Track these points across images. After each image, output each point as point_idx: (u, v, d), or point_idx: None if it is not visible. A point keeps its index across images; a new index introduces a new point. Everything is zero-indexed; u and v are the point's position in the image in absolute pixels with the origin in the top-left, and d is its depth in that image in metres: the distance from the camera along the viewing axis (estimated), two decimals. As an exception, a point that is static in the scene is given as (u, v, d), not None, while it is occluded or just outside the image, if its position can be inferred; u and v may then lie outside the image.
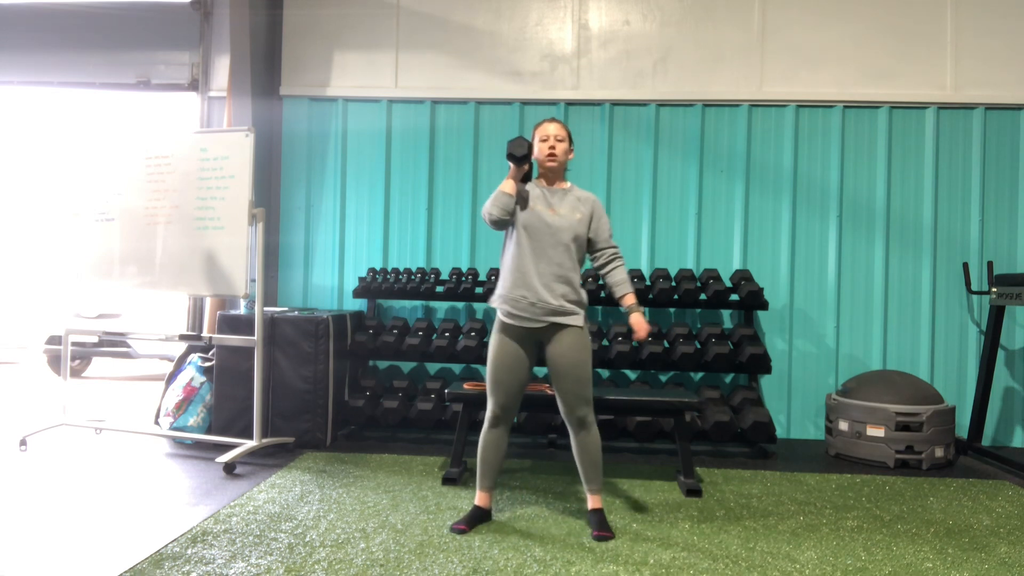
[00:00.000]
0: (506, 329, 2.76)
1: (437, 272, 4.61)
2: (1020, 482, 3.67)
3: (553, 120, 2.83)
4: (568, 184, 2.86)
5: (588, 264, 4.85)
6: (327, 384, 4.12)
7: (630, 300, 2.79)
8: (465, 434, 3.49)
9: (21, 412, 5.10)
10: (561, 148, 2.78)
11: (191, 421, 4.13)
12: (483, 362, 4.35)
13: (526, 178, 2.83)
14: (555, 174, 2.82)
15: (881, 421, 3.91)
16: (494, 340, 2.79)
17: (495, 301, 2.80)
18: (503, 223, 2.72)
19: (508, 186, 2.71)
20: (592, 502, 2.83)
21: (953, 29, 4.67)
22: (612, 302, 4.39)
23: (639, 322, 2.75)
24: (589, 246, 2.83)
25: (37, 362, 8.49)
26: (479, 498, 2.87)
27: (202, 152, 3.89)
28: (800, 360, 4.69)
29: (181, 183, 3.92)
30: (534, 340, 2.78)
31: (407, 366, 4.89)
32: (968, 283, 4.51)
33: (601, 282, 4.47)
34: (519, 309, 2.71)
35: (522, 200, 2.76)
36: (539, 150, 2.80)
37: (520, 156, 2.69)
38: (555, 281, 2.71)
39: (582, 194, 2.84)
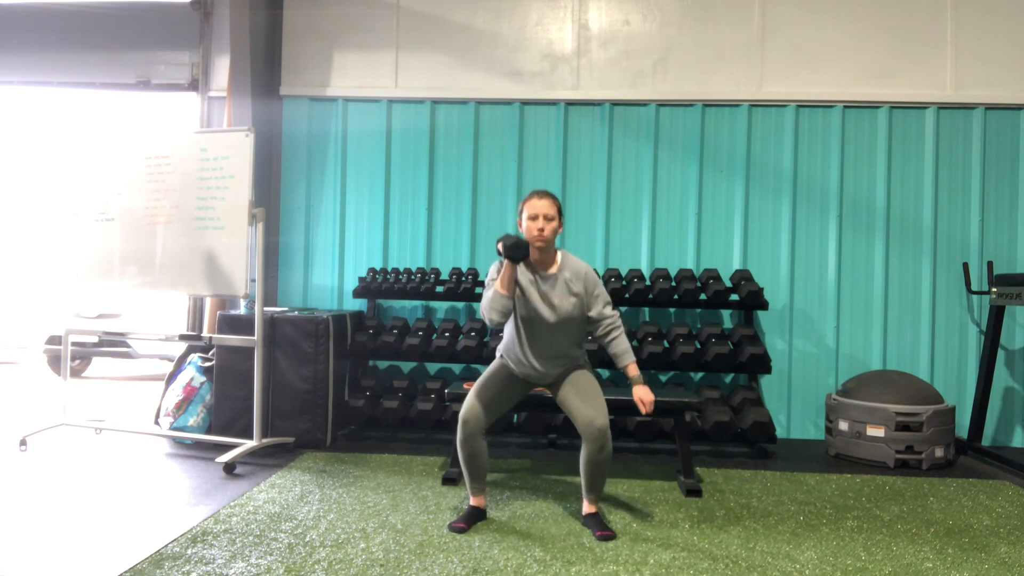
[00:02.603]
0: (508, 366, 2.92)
1: (437, 272, 4.61)
2: (1020, 482, 3.67)
3: (544, 196, 2.70)
4: (558, 259, 2.77)
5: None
6: (327, 384, 4.12)
7: (634, 371, 2.76)
8: (465, 434, 3.49)
9: (21, 412, 5.10)
10: (550, 228, 2.68)
11: (191, 421, 4.13)
12: (483, 362, 4.35)
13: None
14: (544, 254, 2.73)
15: (881, 421, 3.91)
16: (495, 362, 2.92)
17: (500, 357, 2.92)
18: (503, 324, 2.74)
19: (505, 287, 2.64)
20: (589, 507, 2.84)
21: (953, 29, 4.67)
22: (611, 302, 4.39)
23: (645, 393, 2.73)
24: (588, 319, 2.82)
25: (37, 362, 8.49)
26: (473, 500, 2.89)
27: (202, 152, 3.89)
28: (800, 360, 4.69)
29: (181, 183, 3.92)
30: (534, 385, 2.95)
31: (407, 366, 4.89)
32: (968, 283, 4.51)
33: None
34: (523, 376, 2.87)
35: (517, 292, 2.74)
36: (527, 228, 2.69)
37: (520, 258, 2.61)
38: (555, 357, 2.81)
39: (572, 269, 2.75)
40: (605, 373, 4.75)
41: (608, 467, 2.81)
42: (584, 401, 2.73)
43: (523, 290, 2.73)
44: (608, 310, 2.79)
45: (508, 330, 2.84)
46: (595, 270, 2.82)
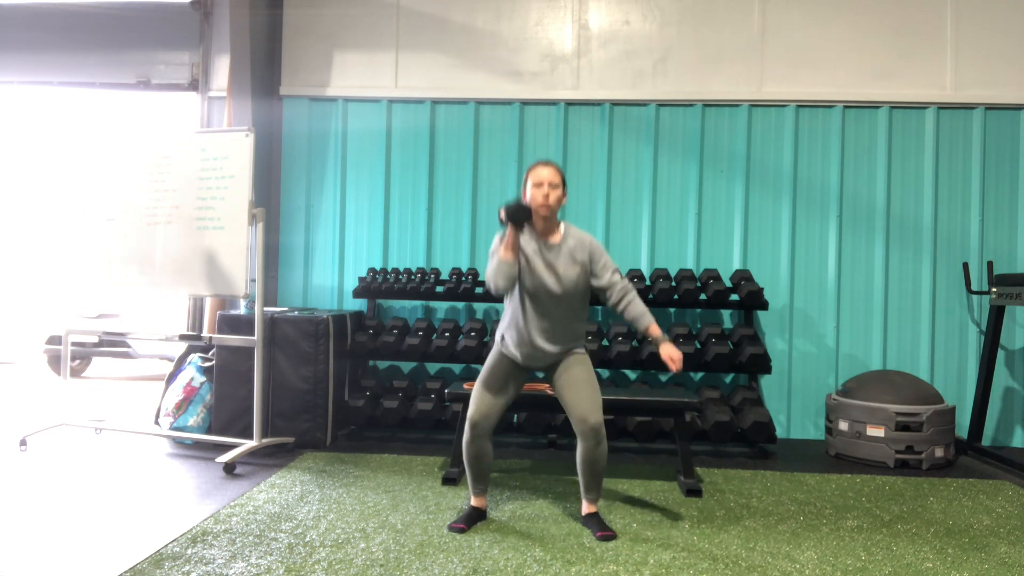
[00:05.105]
0: (510, 354, 2.84)
1: (437, 272, 4.61)
2: (1020, 482, 3.68)
3: (548, 164, 2.71)
4: (561, 229, 2.77)
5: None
6: (327, 384, 4.12)
7: (656, 331, 2.69)
8: (465, 434, 3.49)
9: (21, 412, 5.10)
10: (555, 195, 2.68)
11: (191, 421, 4.13)
12: (483, 362, 4.34)
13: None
14: (548, 222, 2.73)
15: (881, 421, 3.91)
16: (493, 355, 2.86)
17: (499, 344, 2.86)
18: (509, 290, 2.70)
19: (509, 254, 2.63)
20: (588, 508, 2.84)
21: (953, 29, 4.67)
22: (612, 302, 4.39)
23: (673, 350, 2.64)
24: (596, 289, 2.79)
25: (37, 362, 8.49)
26: (475, 500, 2.89)
27: (202, 152, 3.89)
28: (800, 360, 4.69)
29: (181, 183, 3.92)
30: (533, 370, 2.89)
31: (407, 366, 4.89)
32: (968, 283, 4.51)
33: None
34: (523, 359, 2.80)
35: (522, 262, 2.72)
36: (532, 196, 2.69)
37: (523, 221, 2.59)
38: (557, 334, 2.75)
39: (576, 238, 2.75)
40: (605, 373, 4.75)
41: (605, 466, 2.79)
42: (580, 395, 2.71)
43: (528, 260, 2.71)
44: (617, 276, 2.76)
45: (510, 307, 2.79)
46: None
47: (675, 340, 4.25)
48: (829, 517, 3.04)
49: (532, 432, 4.19)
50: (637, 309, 2.72)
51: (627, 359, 4.17)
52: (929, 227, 4.65)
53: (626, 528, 2.83)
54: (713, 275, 4.42)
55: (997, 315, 4.24)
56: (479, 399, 2.79)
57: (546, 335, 2.74)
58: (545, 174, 2.68)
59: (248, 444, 3.75)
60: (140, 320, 6.99)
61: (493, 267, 2.64)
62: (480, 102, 4.92)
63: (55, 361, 7.12)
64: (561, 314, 2.73)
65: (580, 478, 2.81)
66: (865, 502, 3.27)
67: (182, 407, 4.16)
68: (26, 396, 5.85)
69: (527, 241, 2.74)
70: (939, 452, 3.91)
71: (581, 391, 2.71)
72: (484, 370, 2.84)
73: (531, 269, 2.70)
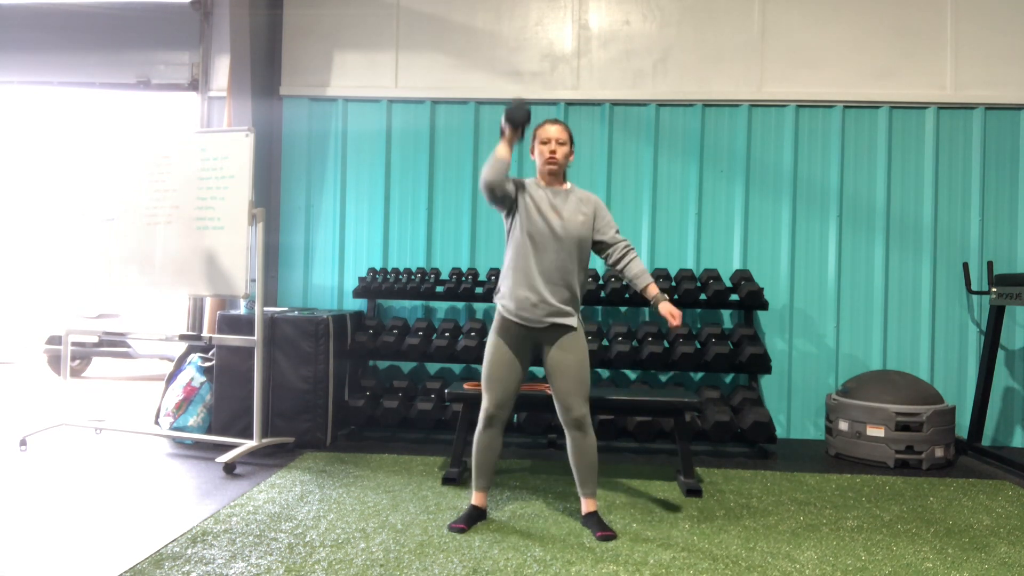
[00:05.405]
0: (506, 328, 2.77)
1: (437, 272, 4.61)
2: (1020, 482, 3.68)
3: (555, 122, 2.77)
4: (568, 184, 2.82)
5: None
6: (327, 384, 4.12)
7: (654, 290, 2.74)
8: (465, 434, 3.49)
9: (21, 412, 5.10)
10: (562, 152, 2.74)
11: (191, 421, 4.13)
12: (483, 362, 4.34)
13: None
14: (555, 177, 2.78)
15: (881, 421, 3.91)
16: (492, 338, 2.81)
17: (498, 299, 2.80)
18: (498, 192, 2.64)
19: (504, 151, 2.65)
20: (588, 506, 2.83)
21: (953, 29, 4.67)
22: (612, 302, 4.39)
23: (670, 310, 2.68)
24: (598, 246, 2.82)
25: (37, 362, 8.48)
26: (475, 498, 2.88)
27: (202, 152, 3.89)
28: (800, 360, 4.69)
29: (181, 183, 3.92)
30: (532, 341, 2.79)
31: (407, 366, 4.89)
32: (968, 283, 4.51)
33: (601, 281, 4.48)
34: (522, 309, 2.71)
35: (527, 202, 2.72)
36: (539, 153, 2.75)
37: (521, 121, 2.61)
38: (557, 283, 2.70)
39: (583, 194, 2.81)
40: (605, 373, 4.75)
41: (595, 457, 2.78)
42: (568, 383, 2.71)
43: (535, 203, 2.72)
44: (620, 236, 2.82)
45: (511, 252, 2.76)
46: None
47: (675, 340, 4.25)
48: (829, 517, 3.04)
49: (532, 432, 4.19)
50: (637, 267, 2.77)
51: (627, 359, 4.17)
52: (929, 227, 4.65)
53: (626, 528, 2.83)
54: (713, 275, 4.42)
55: (997, 315, 4.24)
56: (491, 388, 2.77)
57: (546, 279, 2.69)
58: (553, 131, 2.74)
59: (248, 444, 3.75)
60: (140, 320, 6.99)
61: (488, 163, 2.66)
62: (480, 102, 4.92)
63: (55, 361, 7.12)
64: (562, 262, 2.70)
65: (574, 473, 2.82)
66: (865, 502, 3.27)
67: (182, 407, 4.16)
68: (26, 396, 5.85)
69: (535, 189, 2.76)
70: (939, 452, 3.91)
71: (570, 380, 2.71)
72: (487, 357, 2.80)
73: (539, 211, 2.71)
